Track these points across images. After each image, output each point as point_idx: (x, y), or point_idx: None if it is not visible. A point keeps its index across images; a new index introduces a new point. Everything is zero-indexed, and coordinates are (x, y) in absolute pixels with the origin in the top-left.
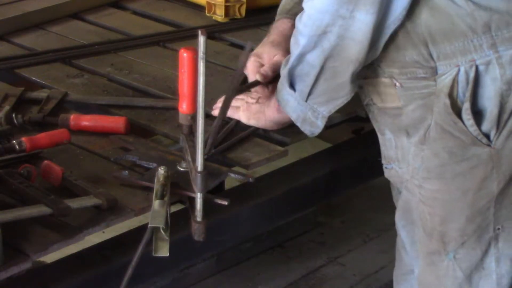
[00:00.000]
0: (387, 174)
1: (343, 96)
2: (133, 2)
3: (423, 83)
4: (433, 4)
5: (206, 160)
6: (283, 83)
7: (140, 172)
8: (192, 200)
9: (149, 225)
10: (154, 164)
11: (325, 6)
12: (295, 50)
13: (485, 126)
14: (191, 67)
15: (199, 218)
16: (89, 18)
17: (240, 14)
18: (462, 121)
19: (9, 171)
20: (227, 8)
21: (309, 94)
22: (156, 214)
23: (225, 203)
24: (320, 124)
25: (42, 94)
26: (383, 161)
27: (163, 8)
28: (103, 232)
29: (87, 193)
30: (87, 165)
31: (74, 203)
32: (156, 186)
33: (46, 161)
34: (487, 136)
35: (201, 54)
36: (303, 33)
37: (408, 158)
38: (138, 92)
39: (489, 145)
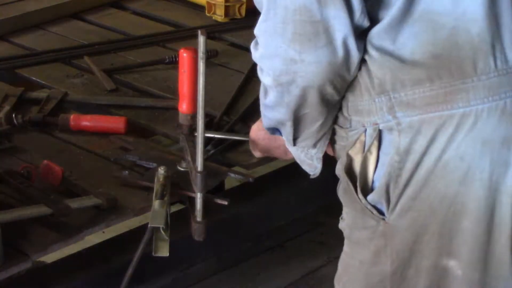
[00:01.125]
0: None
1: (327, 132)
2: (133, 2)
3: (341, 133)
4: None
5: (206, 160)
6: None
7: (140, 172)
8: (192, 200)
9: (149, 225)
10: (154, 164)
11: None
12: (263, 110)
13: (372, 197)
14: (191, 67)
15: (199, 218)
16: (89, 18)
17: (240, 14)
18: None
19: (9, 170)
20: (227, 8)
21: (295, 139)
22: (156, 214)
23: (225, 203)
24: (318, 165)
25: (42, 94)
26: None
27: (163, 8)
28: (103, 232)
29: (87, 193)
30: (87, 165)
31: (74, 203)
32: (156, 186)
33: (45, 161)
34: (376, 208)
35: (201, 54)
36: (266, 88)
37: None
38: (138, 92)
39: (382, 219)
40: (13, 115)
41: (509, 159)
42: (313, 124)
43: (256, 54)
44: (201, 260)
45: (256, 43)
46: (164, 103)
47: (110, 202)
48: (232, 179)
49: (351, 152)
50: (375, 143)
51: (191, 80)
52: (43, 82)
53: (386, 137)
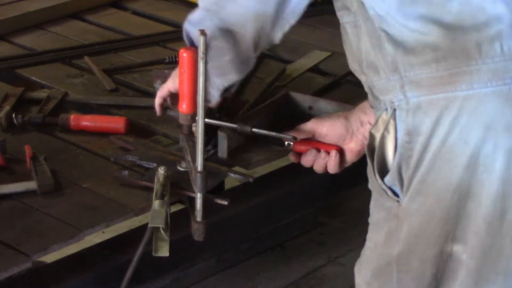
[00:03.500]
0: None
1: (234, 73)
2: (133, 2)
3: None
4: (367, 30)
5: (206, 160)
6: None
7: (140, 172)
8: (192, 200)
9: (149, 225)
10: (154, 164)
11: None
12: (186, 24)
13: (387, 179)
14: (191, 67)
15: (199, 218)
16: (89, 18)
17: None
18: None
19: None
20: None
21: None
22: (156, 214)
23: (225, 203)
24: (216, 95)
25: (42, 94)
26: None
27: (163, 8)
28: (103, 232)
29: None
30: (87, 165)
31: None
32: (156, 186)
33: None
34: (392, 190)
35: (201, 54)
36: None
37: None
38: (138, 92)
39: (397, 201)
40: (13, 115)
41: (511, 145)
42: (220, 57)
43: None
44: (201, 260)
45: None
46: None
47: (44, 187)
48: (232, 179)
49: (373, 131)
50: (392, 122)
51: (191, 80)
52: (43, 82)
53: (399, 117)
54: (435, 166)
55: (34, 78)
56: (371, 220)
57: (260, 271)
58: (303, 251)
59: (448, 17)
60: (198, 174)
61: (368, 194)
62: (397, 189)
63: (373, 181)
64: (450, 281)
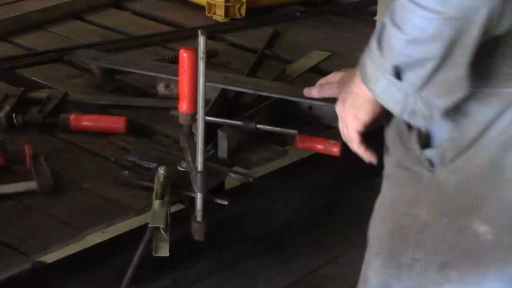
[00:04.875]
0: None
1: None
2: (133, 2)
3: None
4: None
5: (206, 160)
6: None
7: (140, 172)
8: (192, 200)
9: (149, 225)
10: (154, 164)
11: None
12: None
13: (429, 152)
14: (191, 67)
15: (199, 218)
16: (89, 18)
17: (240, 14)
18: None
19: None
20: (227, 8)
21: (423, 85)
22: (156, 214)
23: (225, 203)
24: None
25: (42, 94)
26: None
27: (163, 8)
28: (103, 232)
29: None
30: (87, 165)
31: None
32: (156, 186)
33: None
34: (429, 161)
35: (201, 54)
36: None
37: None
38: (138, 92)
39: (431, 171)
40: (13, 115)
41: None
42: (458, 69)
43: None
44: (201, 260)
45: None
46: (164, 103)
47: (44, 187)
48: (232, 179)
49: None
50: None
51: (191, 80)
52: (43, 82)
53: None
54: (488, 151)
55: (34, 78)
56: (389, 177)
57: (260, 271)
58: (303, 251)
59: None
60: (198, 174)
61: (368, 194)
62: (435, 161)
63: (405, 147)
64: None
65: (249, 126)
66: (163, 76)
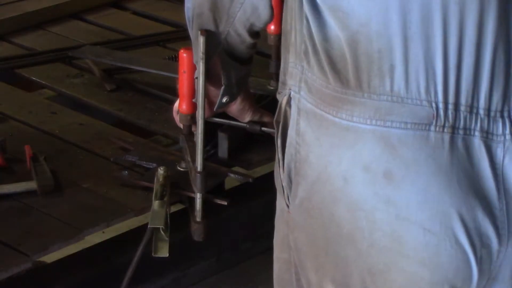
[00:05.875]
0: None
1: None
2: (133, 2)
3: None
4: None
5: (206, 160)
6: None
7: (140, 172)
8: (192, 200)
9: (149, 226)
10: (154, 164)
11: None
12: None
13: (283, 177)
14: (191, 67)
15: (199, 218)
16: (89, 18)
17: None
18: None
19: None
20: None
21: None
22: (156, 214)
23: (225, 203)
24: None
25: None
26: None
27: (163, 8)
28: (103, 232)
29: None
30: (87, 165)
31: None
32: (156, 186)
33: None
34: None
35: (201, 54)
36: None
37: None
38: (138, 92)
39: (287, 205)
40: None
41: (390, 195)
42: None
43: None
44: (201, 260)
45: None
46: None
47: (44, 187)
48: (232, 179)
49: (277, 118)
50: (283, 112)
51: (191, 80)
52: (43, 82)
53: (292, 108)
54: (315, 188)
55: (34, 78)
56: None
57: (260, 271)
58: None
59: (345, 33)
60: (198, 174)
61: None
62: (288, 191)
63: (277, 173)
64: None
65: (254, 129)
66: (169, 74)
